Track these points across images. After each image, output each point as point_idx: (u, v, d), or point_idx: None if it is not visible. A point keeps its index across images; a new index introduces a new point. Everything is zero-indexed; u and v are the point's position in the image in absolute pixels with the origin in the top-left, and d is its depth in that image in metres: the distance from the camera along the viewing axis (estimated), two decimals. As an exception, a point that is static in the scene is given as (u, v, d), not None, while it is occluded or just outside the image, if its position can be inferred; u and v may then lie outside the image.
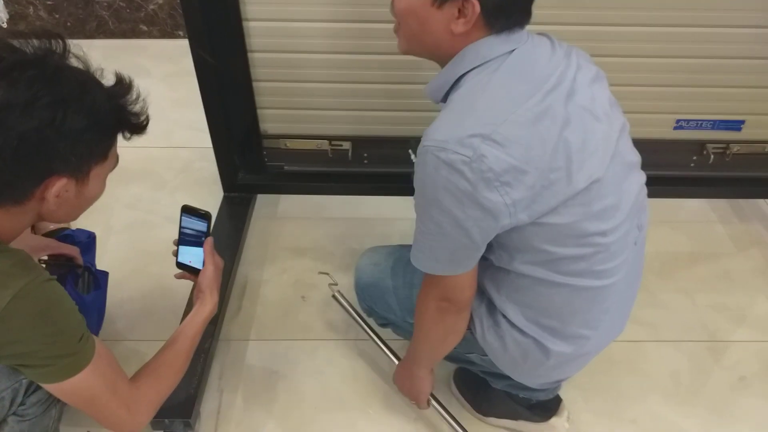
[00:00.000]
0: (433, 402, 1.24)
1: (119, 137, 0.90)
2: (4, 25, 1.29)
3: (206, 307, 1.10)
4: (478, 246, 0.91)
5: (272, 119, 1.63)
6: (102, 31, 2.66)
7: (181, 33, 2.68)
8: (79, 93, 0.79)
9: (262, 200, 1.85)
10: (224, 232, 1.64)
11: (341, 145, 1.67)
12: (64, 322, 0.83)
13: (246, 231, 1.71)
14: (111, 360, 0.91)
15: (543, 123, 0.85)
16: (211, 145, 1.68)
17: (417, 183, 0.89)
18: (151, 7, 2.60)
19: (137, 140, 2.11)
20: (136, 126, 0.90)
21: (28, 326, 0.79)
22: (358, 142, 1.67)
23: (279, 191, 1.84)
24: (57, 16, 2.62)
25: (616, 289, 1.00)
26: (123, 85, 0.86)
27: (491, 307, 1.05)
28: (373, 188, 1.78)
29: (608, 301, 1.00)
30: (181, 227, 1.16)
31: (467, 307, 1.02)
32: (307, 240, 1.75)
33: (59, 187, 0.81)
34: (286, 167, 1.74)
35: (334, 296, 1.40)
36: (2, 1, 1.26)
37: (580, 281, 0.95)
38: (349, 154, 1.67)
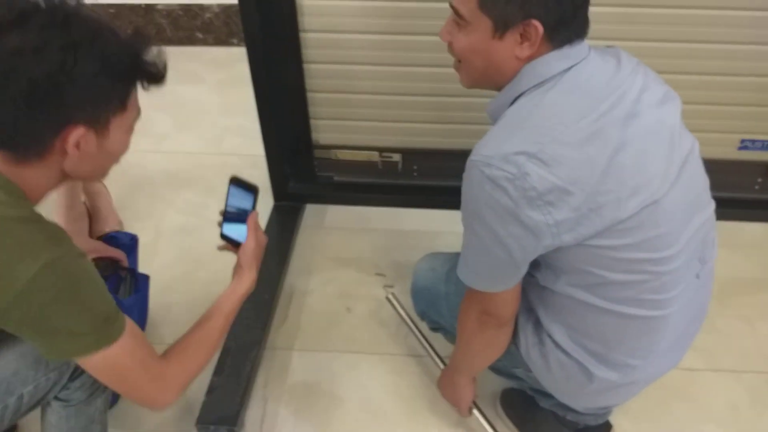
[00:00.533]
0: (475, 410, 1.24)
1: (139, 89, 0.87)
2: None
3: (244, 283, 1.06)
4: (517, 264, 0.90)
5: (324, 129, 1.64)
6: (160, 38, 2.73)
7: (235, 41, 2.72)
8: (90, 38, 0.78)
9: (310, 210, 1.86)
10: (273, 241, 1.63)
11: (391, 157, 1.67)
12: (90, 299, 0.82)
13: (294, 240, 1.72)
14: (141, 337, 0.90)
15: (594, 144, 0.82)
16: (260, 152, 1.70)
17: (462, 196, 0.89)
18: (208, 15, 2.66)
19: (189, 146, 2.15)
20: (154, 75, 0.87)
21: (53, 298, 0.78)
22: (408, 154, 1.67)
23: (328, 201, 1.84)
24: (118, 23, 2.69)
25: (671, 322, 0.95)
26: (140, 35, 0.85)
27: (537, 325, 1.03)
28: (422, 201, 1.77)
29: (660, 333, 0.96)
30: (228, 198, 1.13)
31: (509, 323, 1.01)
32: (353, 251, 1.74)
33: (77, 136, 0.80)
34: (335, 178, 1.74)
35: (387, 298, 1.43)
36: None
37: (629, 309, 0.92)
38: (399, 166, 1.67)
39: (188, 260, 1.70)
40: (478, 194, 0.85)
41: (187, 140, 2.15)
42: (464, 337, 1.07)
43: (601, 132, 0.83)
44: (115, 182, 1.90)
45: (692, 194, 0.93)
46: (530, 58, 0.88)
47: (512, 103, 0.92)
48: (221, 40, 2.72)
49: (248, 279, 1.07)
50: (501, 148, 0.83)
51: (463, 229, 0.93)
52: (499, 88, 0.95)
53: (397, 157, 1.67)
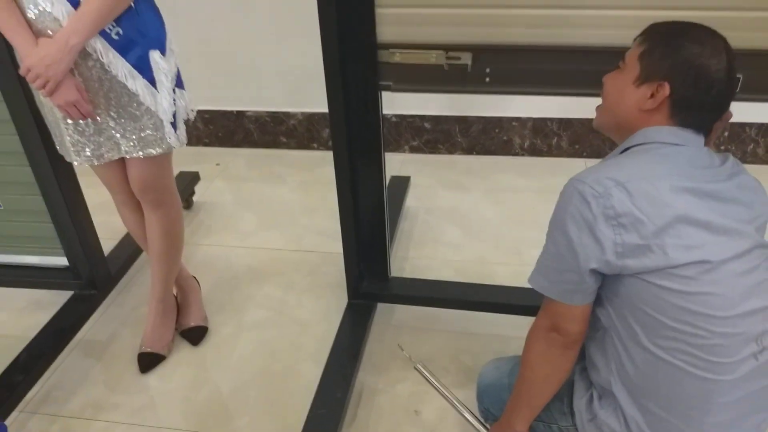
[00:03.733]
0: None
1: None
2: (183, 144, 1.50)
3: None
4: (581, 272, 0.98)
5: (388, 23, 1.42)
6: (247, 141, 2.98)
7: (315, 145, 2.94)
8: None
9: (380, 308, 1.93)
10: (346, 339, 1.72)
11: (459, 58, 1.42)
12: None
13: (366, 338, 1.78)
14: None
15: (676, 196, 0.95)
16: (337, 251, 1.80)
17: (554, 209, 1.02)
18: (292, 122, 2.89)
19: (272, 242, 2.30)
20: None
21: None
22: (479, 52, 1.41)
23: (400, 302, 1.91)
24: (211, 127, 2.98)
25: (725, 391, 0.97)
26: None
27: (596, 391, 1.10)
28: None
29: (713, 400, 0.98)
30: None
31: (574, 345, 1.07)
32: (422, 352, 1.78)
33: None
34: (394, 85, 1.49)
35: (416, 368, 1.47)
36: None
37: (681, 362, 0.97)
38: (469, 68, 1.43)
39: (266, 354, 1.78)
40: (567, 206, 0.98)
41: (271, 237, 2.30)
42: (529, 363, 1.12)
43: (685, 191, 0.96)
44: (204, 276, 2.06)
45: (756, 279, 0.98)
46: (649, 119, 1.04)
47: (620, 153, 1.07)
48: (303, 144, 2.94)
49: None
50: (596, 174, 0.98)
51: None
52: (617, 133, 1.11)
53: (466, 58, 1.43)
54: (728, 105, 1.06)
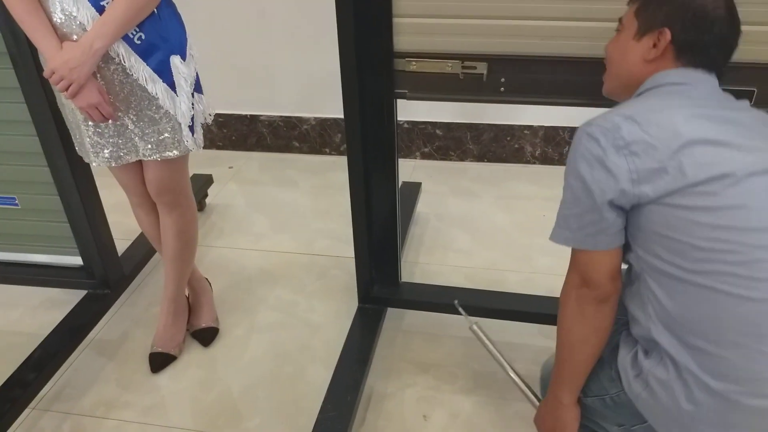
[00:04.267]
0: None
1: None
2: (199, 148, 1.53)
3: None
4: (600, 210, 0.96)
5: (405, 33, 1.45)
6: (260, 146, 3.00)
7: (327, 150, 2.96)
8: None
9: (390, 312, 1.94)
10: (356, 343, 1.74)
11: (475, 68, 1.44)
12: None
13: (376, 343, 1.79)
14: None
15: (687, 122, 0.93)
16: (347, 255, 1.81)
17: (567, 161, 1.02)
18: (305, 127, 2.92)
19: (283, 245, 2.31)
20: None
21: None
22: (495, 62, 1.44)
23: (411, 307, 1.92)
24: (225, 130, 3.01)
25: None
26: None
27: (635, 343, 1.05)
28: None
29: (765, 324, 0.90)
30: None
31: (608, 299, 1.02)
32: (432, 357, 1.79)
33: None
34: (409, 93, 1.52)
35: (471, 329, 1.40)
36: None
37: (721, 285, 0.91)
38: (484, 77, 1.45)
39: (277, 356, 1.80)
40: (577, 149, 0.98)
41: (282, 240, 2.32)
42: (565, 328, 1.07)
43: (700, 117, 0.94)
44: (216, 278, 2.08)
45: None
46: (656, 67, 1.04)
47: None
48: (315, 149, 2.97)
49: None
50: (604, 115, 0.98)
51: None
52: (627, 92, 1.10)
53: (482, 68, 1.45)
54: (736, 42, 1.05)
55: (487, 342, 1.37)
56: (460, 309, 1.45)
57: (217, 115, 2.96)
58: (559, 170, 3.04)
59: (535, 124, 2.72)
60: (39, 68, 1.47)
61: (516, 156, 2.81)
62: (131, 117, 1.43)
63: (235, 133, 3.01)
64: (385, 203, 1.69)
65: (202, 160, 2.80)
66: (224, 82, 2.85)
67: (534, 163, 2.80)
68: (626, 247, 1.02)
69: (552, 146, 2.75)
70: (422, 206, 2.48)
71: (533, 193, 2.59)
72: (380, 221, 1.72)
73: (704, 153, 0.91)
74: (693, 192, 0.91)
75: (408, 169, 2.78)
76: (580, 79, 1.38)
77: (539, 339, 1.81)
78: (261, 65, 2.81)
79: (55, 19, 1.30)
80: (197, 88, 1.49)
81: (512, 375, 1.33)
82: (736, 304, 0.91)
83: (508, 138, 2.76)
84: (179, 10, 1.46)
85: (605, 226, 0.98)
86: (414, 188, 2.48)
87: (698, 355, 0.94)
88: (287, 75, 2.82)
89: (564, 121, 2.69)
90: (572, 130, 2.68)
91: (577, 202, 0.99)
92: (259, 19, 2.69)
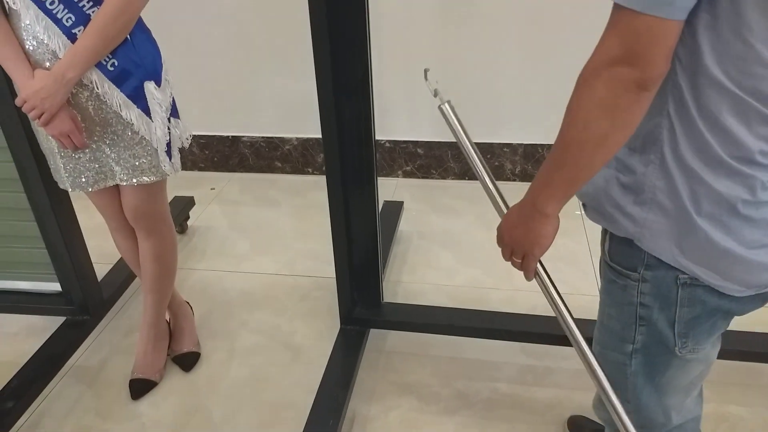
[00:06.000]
0: (540, 268, 0.97)
1: None
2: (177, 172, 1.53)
3: None
4: None
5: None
6: (242, 166, 3.00)
7: (309, 170, 2.96)
8: None
9: (373, 333, 1.93)
10: (338, 366, 1.72)
11: None
12: None
13: (358, 365, 1.78)
14: None
15: None
16: (327, 275, 1.81)
17: None
18: (287, 147, 2.92)
19: (265, 267, 2.31)
20: None
21: None
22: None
23: (394, 328, 1.91)
24: (207, 152, 3.00)
25: None
26: None
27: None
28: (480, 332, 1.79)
29: None
30: None
31: (655, 83, 0.76)
32: (414, 377, 1.78)
33: None
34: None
35: (440, 108, 1.10)
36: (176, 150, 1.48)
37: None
38: None
39: (256, 381, 1.78)
40: None
41: (264, 262, 2.31)
42: (579, 116, 0.80)
43: None
44: (197, 301, 2.06)
45: None
46: None
47: None
48: (298, 169, 2.97)
49: None
50: None
51: None
52: None
53: None
54: None
55: (457, 125, 1.10)
56: (429, 85, 1.11)
57: (199, 137, 2.95)
58: (540, 187, 3.04)
59: (514, 141, 2.74)
60: (13, 94, 1.46)
61: (496, 173, 2.82)
62: (107, 142, 1.43)
63: (217, 154, 3.01)
64: (365, 223, 1.69)
65: (183, 182, 2.79)
66: (205, 104, 2.86)
67: (514, 180, 2.82)
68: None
69: (532, 163, 2.77)
70: (404, 224, 2.49)
71: (515, 210, 2.60)
72: (361, 241, 1.72)
73: None
74: None
75: (390, 188, 2.79)
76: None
77: (522, 357, 1.81)
78: (242, 86, 2.82)
79: (27, 47, 1.29)
80: (173, 112, 1.49)
81: (479, 168, 1.08)
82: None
83: (488, 156, 2.78)
84: (158, 34, 1.46)
85: None
86: (396, 207, 2.49)
87: (719, 135, 0.78)
88: (268, 95, 2.82)
89: (543, 139, 2.72)
90: (551, 147, 2.70)
91: None
92: (239, 39, 2.71)
